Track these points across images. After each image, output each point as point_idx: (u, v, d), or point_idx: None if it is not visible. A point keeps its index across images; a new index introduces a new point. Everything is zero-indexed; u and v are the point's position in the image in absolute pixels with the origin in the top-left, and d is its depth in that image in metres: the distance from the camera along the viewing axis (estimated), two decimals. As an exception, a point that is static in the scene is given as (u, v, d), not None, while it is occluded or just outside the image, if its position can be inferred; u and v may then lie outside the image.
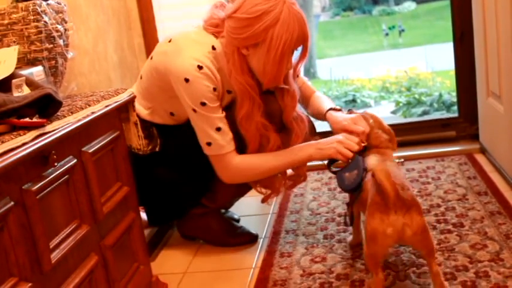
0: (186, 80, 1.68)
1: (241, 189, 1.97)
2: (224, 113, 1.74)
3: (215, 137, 1.72)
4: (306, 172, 1.94)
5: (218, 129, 1.72)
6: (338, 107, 1.92)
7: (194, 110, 1.71)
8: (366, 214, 1.51)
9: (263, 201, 1.94)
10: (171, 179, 1.88)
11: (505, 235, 1.74)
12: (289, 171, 1.93)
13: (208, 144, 1.73)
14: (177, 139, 1.86)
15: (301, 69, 1.97)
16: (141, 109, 1.84)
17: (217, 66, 1.73)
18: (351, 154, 1.70)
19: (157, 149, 1.83)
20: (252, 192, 2.02)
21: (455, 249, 1.70)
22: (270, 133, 1.78)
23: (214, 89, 1.71)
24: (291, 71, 1.81)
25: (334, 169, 1.75)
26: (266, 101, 1.80)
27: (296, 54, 1.78)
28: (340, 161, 1.74)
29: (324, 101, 1.99)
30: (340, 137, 1.76)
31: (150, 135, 1.84)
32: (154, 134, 1.85)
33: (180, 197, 1.93)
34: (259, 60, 1.70)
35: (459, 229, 1.83)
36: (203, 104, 1.69)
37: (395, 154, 1.80)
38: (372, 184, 1.49)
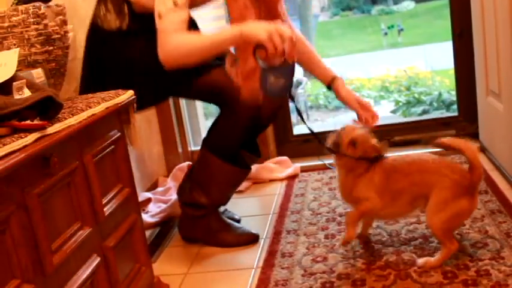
0: None
1: (234, 178, 1.96)
2: (188, 11, 1.70)
3: (169, 8, 1.66)
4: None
5: (175, 3, 1.66)
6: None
7: None
8: (443, 195, 1.59)
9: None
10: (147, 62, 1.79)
11: (506, 233, 1.74)
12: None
13: (159, 16, 1.67)
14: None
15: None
16: None
17: None
18: (281, 46, 1.52)
19: (124, 27, 1.81)
20: (253, 192, 2.02)
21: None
22: (248, 15, 1.70)
23: None
24: None
25: (261, 63, 1.56)
26: None
27: None
28: (263, 51, 1.54)
29: (323, 61, 2.00)
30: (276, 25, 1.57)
31: (121, 11, 1.82)
32: (124, 11, 1.82)
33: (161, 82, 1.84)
34: None
35: (460, 228, 1.83)
36: None
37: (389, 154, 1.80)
38: (455, 167, 1.61)
